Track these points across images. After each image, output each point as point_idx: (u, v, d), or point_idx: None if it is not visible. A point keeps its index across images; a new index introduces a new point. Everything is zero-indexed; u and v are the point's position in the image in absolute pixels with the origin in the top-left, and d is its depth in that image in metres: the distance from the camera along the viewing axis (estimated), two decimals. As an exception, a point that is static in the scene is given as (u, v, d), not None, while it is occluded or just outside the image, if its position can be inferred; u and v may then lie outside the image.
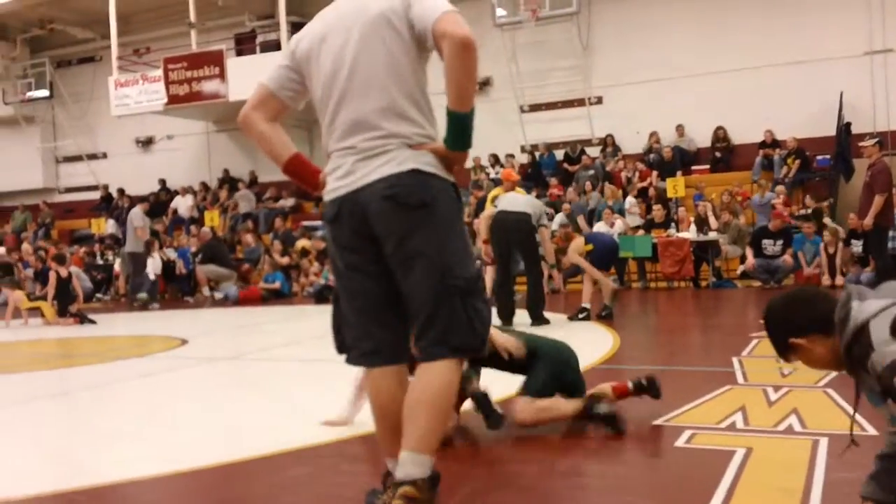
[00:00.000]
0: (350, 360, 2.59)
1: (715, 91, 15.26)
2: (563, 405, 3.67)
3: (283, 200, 18.75)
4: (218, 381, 5.82)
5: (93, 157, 21.92)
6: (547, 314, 7.94)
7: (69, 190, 22.61)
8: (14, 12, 19.61)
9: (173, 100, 17.48)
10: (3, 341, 9.53)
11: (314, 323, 10.15)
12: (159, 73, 17.56)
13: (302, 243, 15.83)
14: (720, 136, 15.48)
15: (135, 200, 19.79)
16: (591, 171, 15.57)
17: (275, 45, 17.51)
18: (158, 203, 19.43)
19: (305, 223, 17.37)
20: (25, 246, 17.15)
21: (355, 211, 2.39)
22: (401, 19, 2.38)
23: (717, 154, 15.43)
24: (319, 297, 13.30)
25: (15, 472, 3.40)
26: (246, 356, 7.00)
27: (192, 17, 17.74)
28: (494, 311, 7.91)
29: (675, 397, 4.02)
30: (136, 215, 13.16)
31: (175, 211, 19.29)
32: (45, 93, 21.48)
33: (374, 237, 2.40)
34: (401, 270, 2.41)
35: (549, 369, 3.69)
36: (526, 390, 3.67)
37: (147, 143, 21.35)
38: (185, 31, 18.17)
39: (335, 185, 2.45)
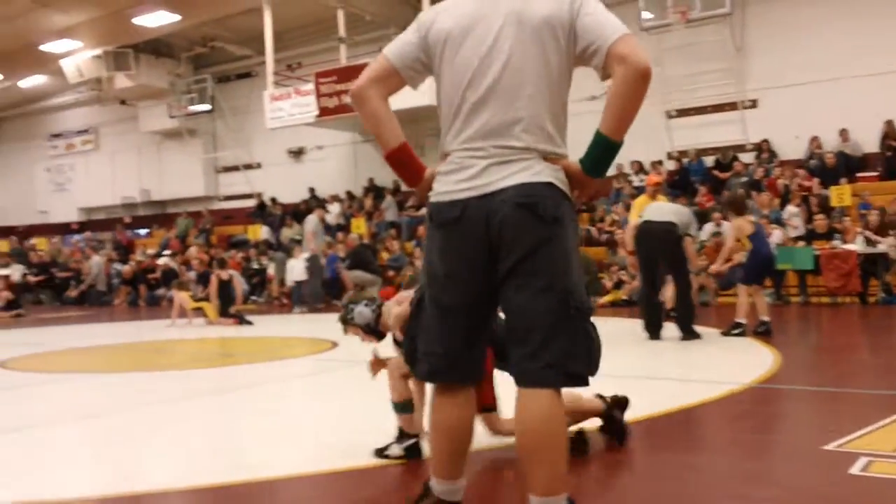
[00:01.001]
0: (420, 374, 2.44)
1: (879, 93, 14.26)
2: (584, 402, 3.54)
3: (425, 209, 19.02)
4: (368, 384, 5.93)
5: (248, 167, 23.10)
6: (698, 328, 7.63)
7: (227, 198, 23.93)
8: (180, 32, 20.97)
9: (323, 112, 18.13)
10: (170, 339, 10.16)
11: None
12: (311, 86, 18.26)
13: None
14: (891, 141, 14.40)
15: (287, 208, 20.75)
16: (744, 178, 14.90)
17: (420, 57, 17.83)
18: (308, 210, 20.20)
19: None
20: (191, 250, 18.24)
21: (480, 216, 2.23)
22: (564, 29, 2.24)
23: (889, 156, 14.31)
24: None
25: (178, 464, 3.59)
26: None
27: (342, 32, 18.37)
28: (641, 323, 7.70)
29: (846, 422, 3.75)
30: (311, 222, 13.80)
31: (323, 219, 20.00)
32: (206, 107, 22.86)
33: (490, 246, 2.24)
34: (516, 285, 2.23)
35: None
36: None
37: (298, 153, 22.27)
38: (334, 45, 18.83)
39: (459, 187, 2.27)
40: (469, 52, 2.27)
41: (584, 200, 2.53)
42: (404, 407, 3.51)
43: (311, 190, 21.28)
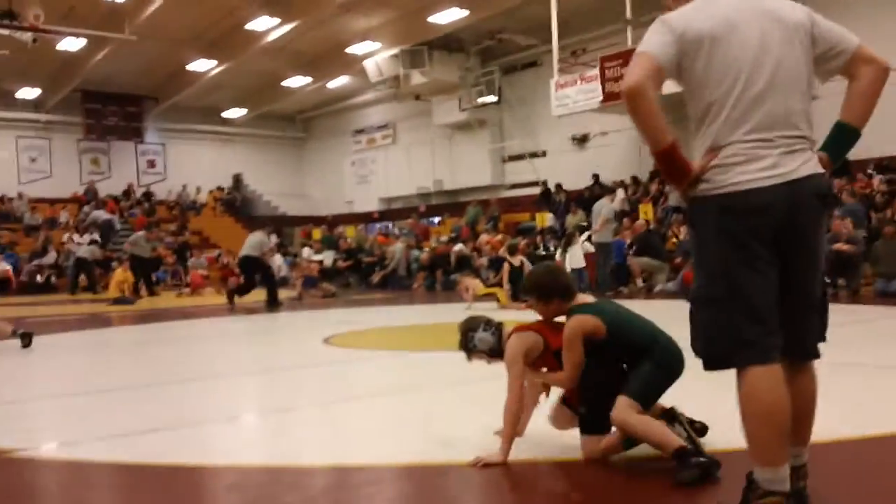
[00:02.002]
0: (752, 359, 2.35)
1: None
2: (660, 433, 3.02)
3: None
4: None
5: (534, 155, 23.60)
6: None
7: (513, 186, 24.65)
8: (469, 27, 21.90)
9: (608, 97, 17.97)
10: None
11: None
12: (595, 72, 18.20)
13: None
14: None
15: (572, 195, 20.92)
16: None
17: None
18: (592, 197, 20.21)
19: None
20: (482, 237, 19.06)
21: (782, 203, 2.33)
22: (807, 33, 2.47)
23: None
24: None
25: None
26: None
27: (629, 13, 18.06)
28: None
29: None
30: (606, 207, 13.96)
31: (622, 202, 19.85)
32: (493, 98, 23.70)
33: (781, 230, 2.36)
34: (803, 267, 2.42)
35: (657, 377, 3.18)
36: (630, 391, 3.14)
37: (582, 140, 22.33)
38: (619, 28, 18.58)
39: (762, 175, 2.35)
40: (738, 51, 2.40)
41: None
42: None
43: (595, 176, 21.23)
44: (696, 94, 2.48)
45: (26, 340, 7.98)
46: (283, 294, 17.02)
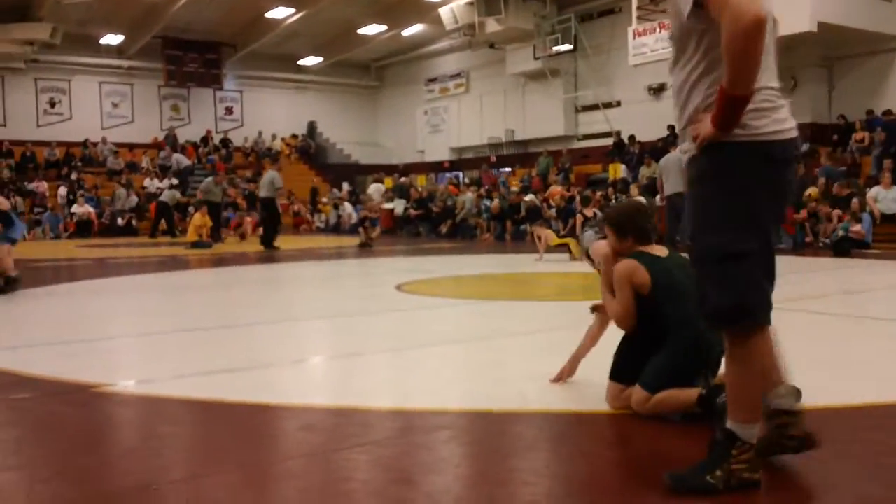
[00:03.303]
0: (766, 320, 2.36)
1: None
2: (682, 395, 3.01)
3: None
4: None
5: (608, 105, 23.10)
6: None
7: (586, 137, 24.23)
8: (547, -27, 21.39)
9: (689, 44, 17.40)
10: (539, 272, 10.68)
11: (834, 277, 9.40)
12: (677, 18, 17.61)
13: (813, 190, 14.75)
14: None
15: (645, 146, 20.46)
16: None
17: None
18: (665, 149, 19.71)
19: (825, 167, 16.12)
20: (553, 188, 18.87)
21: (797, 154, 2.38)
22: None
23: None
24: (838, 248, 12.29)
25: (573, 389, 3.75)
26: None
27: (713, -43, 17.33)
28: None
29: None
30: (673, 160, 13.59)
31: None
32: (568, 47, 23.18)
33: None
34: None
35: (675, 360, 3.08)
36: (642, 383, 3.09)
37: (658, 90, 21.73)
38: (704, -28, 17.87)
39: (788, 126, 2.32)
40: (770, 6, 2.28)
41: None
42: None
43: (671, 127, 20.67)
44: None
45: (9, 286, 7.80)
46: (354, 240, 17.24)
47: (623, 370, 3.26)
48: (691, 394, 3.01)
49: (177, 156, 26.44)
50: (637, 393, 3.13)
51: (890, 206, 13.49)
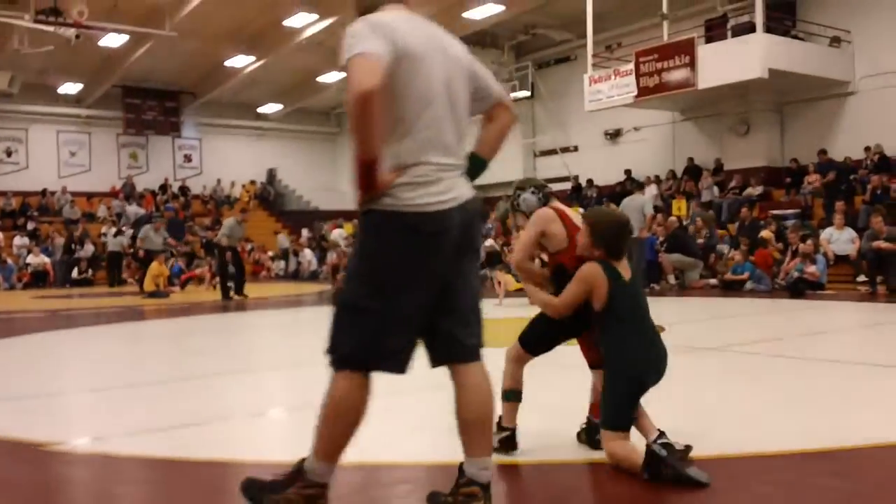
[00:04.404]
0: (392, 368, 2.55)
1: None
2: (628, 457, 3.07)
3: (751, 189, 18.03)
4: (711, 371, 5.76)
5: (565, 150, 23.48)
6: None
7: (545, 181, 24.46)
8: (504, 22, 21.83)
9: (643, 92, 17.84)
10: (498, 317, 10.69)
11: (791, 317, 9.56)
12: (630, 66, 18.06)
13: (767, 233, 15.06)
14: None
15: (603, 190, 20.78)
16: None
17: (748, 28, 16.84)
18: (624, 193, 20.04)
19: (774, 212, 16.50)
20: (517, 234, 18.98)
21: (457, 224, 2.51)
22: (469, 72, 2.66)
23: None
24: (794, 289, 12.52)
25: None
26: (731, 348, 6.84)
27: (665, 7, 17.88)
28: None
29: None
30: (648, 202, 13.86)
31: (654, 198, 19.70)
32: (526, 93, 23.62)
33: (455, 245, 2.53)
34: (464, 278, 2.62)
35: (623, 386, 3.12)
36: (602, 422, 3.15)
37: (615, 135, 22.17)
38: (655, 22, 18.42)
39: (442, 199, 2.48)
40: (432, 76, 2.50)
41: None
42: (514, 395, 3.43)
43: (628, 171, 21.07)
44: (390, 106, 2.43)
45: None
46: (317, 288, 17.13)
47: (532, 341, 3.45)
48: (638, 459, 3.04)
49: (130, 208, 26.08)
50: (605, 434, 3.14)
51: (843, 247, 13.81)
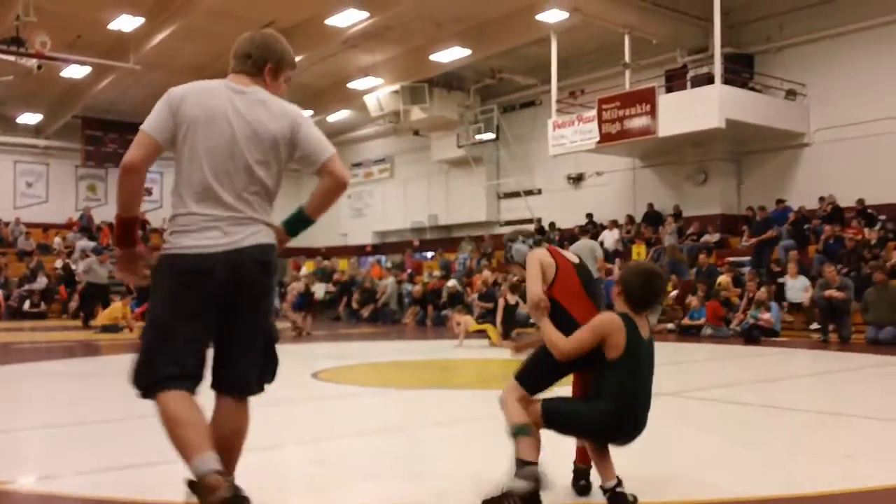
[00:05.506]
0: (170, 386, 2.78)
1: None
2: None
3: (708, 235, 18.34)
4: (666, 416, 5.79)
5: (529, 192, 23.69)
6: None
7: (508, 223, 24.69)
8: (470, 65, 22.12)
9: (605, 138, 18.14)
10: (458, 359, 10.67)
11: (745, 364, 9.69)
12: (593, 113, 18.38)
13: (723, 279, 15.31)
14: None
15: (565, 233, 20.98)
16: None
17: (706, 79, 17.28)
18: (577, 236, 20.25)
19: (731, 259, 16.79)
20: (483, 273, 19.04)
21: (224, 266, 2.80)
22: (286, 142, 2.99)
23: None
24: (748, 336, 12.71)
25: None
26: (686, 394, 6.91)
27: (627, 57, 18.29)
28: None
29: None
30: (597, 247, 13.95)
31: (601, 244, 19.93)
32: (491, 136, 23.90)
33: (224, 287, 2.81)
34: (242, 319, 2.88)
35: (591, 418, 3.19)
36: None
37: (577, 179, 22.46)
38: (618, 71, 18.81)
39: (206, 243, 2.81)
40: (210, 142, 2.85)
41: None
42: (524, 429, 3.19)
43: (590, 215, 21.32)
44: (176, 164, 2.90)
45: None
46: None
47: (530, 379, 3.33)
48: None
49: (80, 243, 25.56)
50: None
51: (797, 295, 14.08)
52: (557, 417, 3.20)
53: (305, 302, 15.45)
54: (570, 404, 3.31)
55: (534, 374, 3.34)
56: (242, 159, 2.88)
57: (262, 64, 3.04)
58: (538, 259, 3.39)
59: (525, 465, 3.11)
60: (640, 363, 3.22)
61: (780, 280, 14.74)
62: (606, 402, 3.16)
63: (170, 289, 2.84)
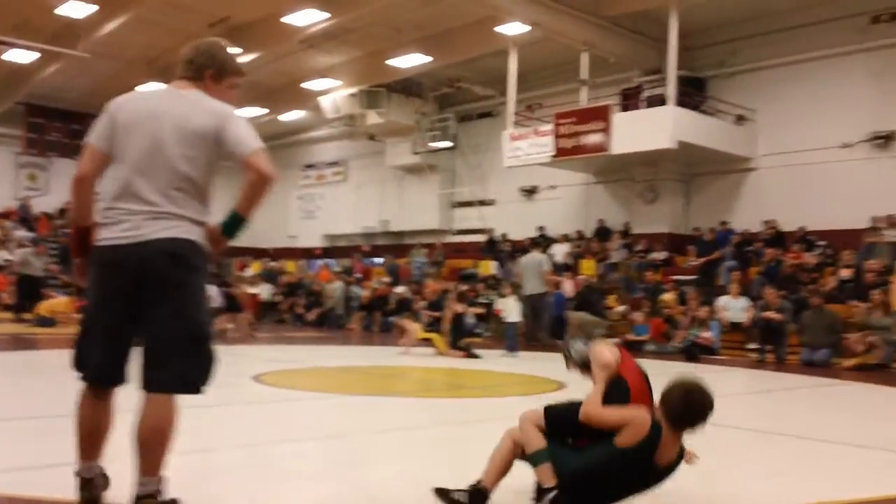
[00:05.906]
0: (89, 378, 3.06)
1: None
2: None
3: (656, 253, 18.60)
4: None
5: (483, 203, 23.76)
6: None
7: (460, 232, 24.75)
8: (429, 73, 22.11)
9: (560, 152, 18.28)
10: (403, 366, 10.60)
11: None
12: (550, 127, 18.51)
13: (668, 297, 15.53)
14: None
15: (517, 245, 21.07)
16: None
17: (659, 101, 17.55)
18: (528, 249, 20.35)
19: (676, 277, 17.04)
20: (428, 281, 18.99)
21: (133, 258, 2.92)
22: (213, 138, 3.03)
23: None
24: (689, 354, 12.88)
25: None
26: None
27: (584, 74, 18.49)
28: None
29: None
30: (545, 260, 13.99)
31: (551, 257, 20.04)
32: (448, 144, 23.90)
33: (136, 279, 2.92)
34: (160, 313, 2.94)
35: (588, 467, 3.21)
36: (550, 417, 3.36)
37: (531, 192, 22.59)
38: (575, 87, 18.98)
39: (120, 234, 2.95)
40: (133, 143, 3.00)
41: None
42: (544, 455, 3.23)
43: (541, 228, 21.46)
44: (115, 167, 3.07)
45: None
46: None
47: (560, 422, 3.34)
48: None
49: (17, 232, 24.78)
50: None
51: (737, 314, 14.34)
52: (572, 458, 3.26)
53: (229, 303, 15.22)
54: (560, 450, 3.29)
55: (561, 418, 3.36)
56: (167, 156, 2.97)
57: (203, 69, 3.17)
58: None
59: (547, 492, 3.15)
60: (631, 473, 3.21)
61: (718, 300, 14.97)
62: (584, 461, 3.21)
63: (93, 279, 3.04)
